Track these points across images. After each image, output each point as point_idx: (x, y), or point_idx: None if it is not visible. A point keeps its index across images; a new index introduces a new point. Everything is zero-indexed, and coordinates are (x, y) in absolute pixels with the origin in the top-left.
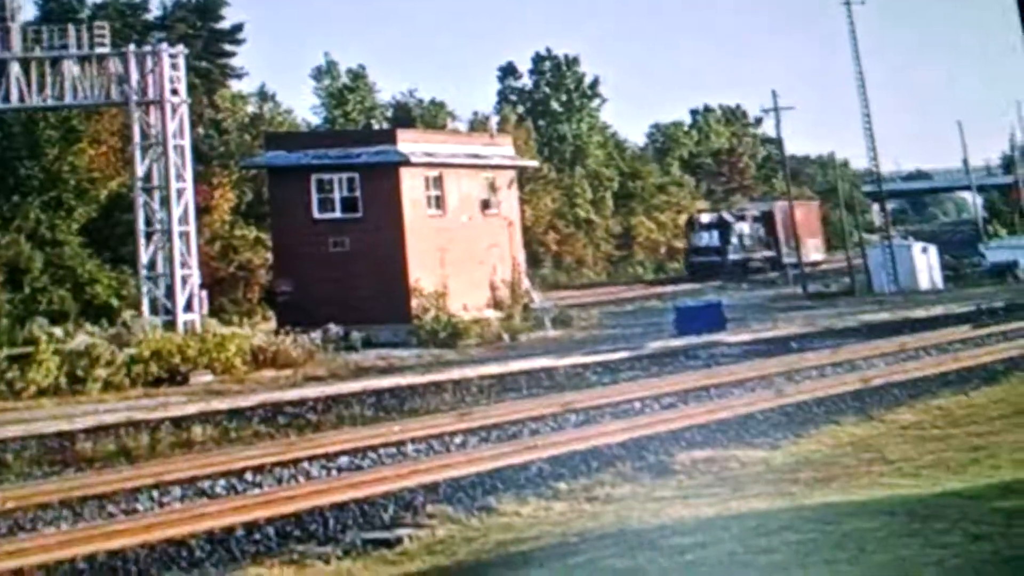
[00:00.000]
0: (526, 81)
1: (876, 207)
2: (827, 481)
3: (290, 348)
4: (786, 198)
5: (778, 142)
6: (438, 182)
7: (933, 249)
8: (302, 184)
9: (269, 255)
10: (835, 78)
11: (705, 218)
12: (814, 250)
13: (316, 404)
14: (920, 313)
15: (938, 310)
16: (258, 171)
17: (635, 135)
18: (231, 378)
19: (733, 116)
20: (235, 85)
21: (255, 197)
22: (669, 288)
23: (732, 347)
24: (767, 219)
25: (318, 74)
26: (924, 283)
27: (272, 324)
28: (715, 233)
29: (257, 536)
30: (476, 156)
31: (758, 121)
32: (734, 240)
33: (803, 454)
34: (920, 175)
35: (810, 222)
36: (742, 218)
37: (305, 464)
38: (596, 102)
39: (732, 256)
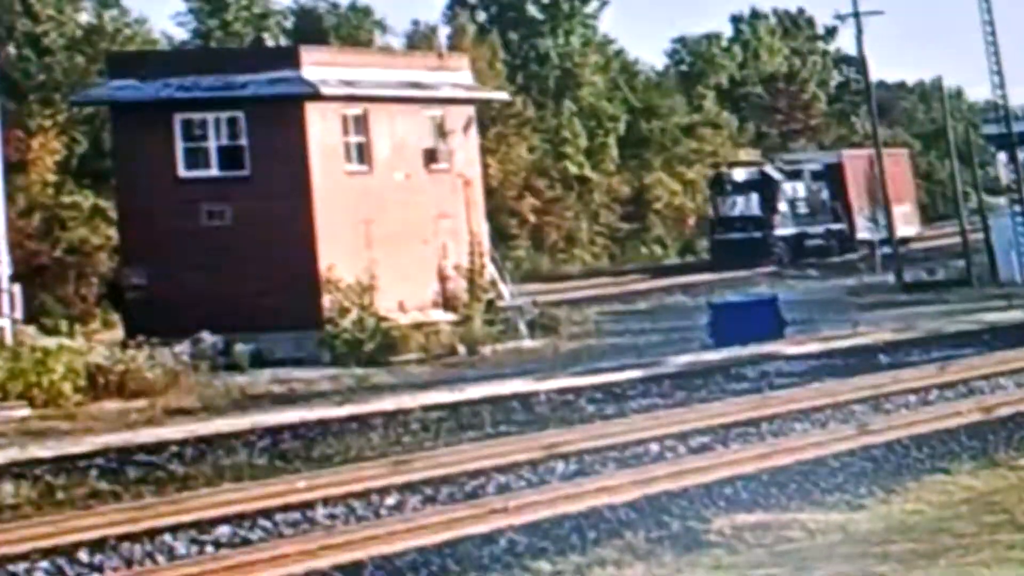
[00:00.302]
0: None
1: (1003, 157)
2: (932, 557)
3: (144, 368)
4: (862, 145)
5: (860, 63)
6: (361, 124)
7: None
8: (161, 128)
9: (113, 232)
10: None
11: (739, 174)
12: (903, 221)
13: (183, 450)
14: None
15: None
16: (97, 109)
17: (651, 54)
18: (58, 412)
19: (794, 25)
20: None
21: (92, 148)
22: (701, 277)
23: (793, 362)
24: (833, 176)
25: None
26: None
27: (118, 333)
28: (754, 197)
29: None
30: (417, 86)
31: (830, 32)
32: (782, 207)
33: (898, 517)
34: None
35: (898, 180)
36: (796, 175)
37: (167, 537)
38: (593, 5)
39: (779, 231)
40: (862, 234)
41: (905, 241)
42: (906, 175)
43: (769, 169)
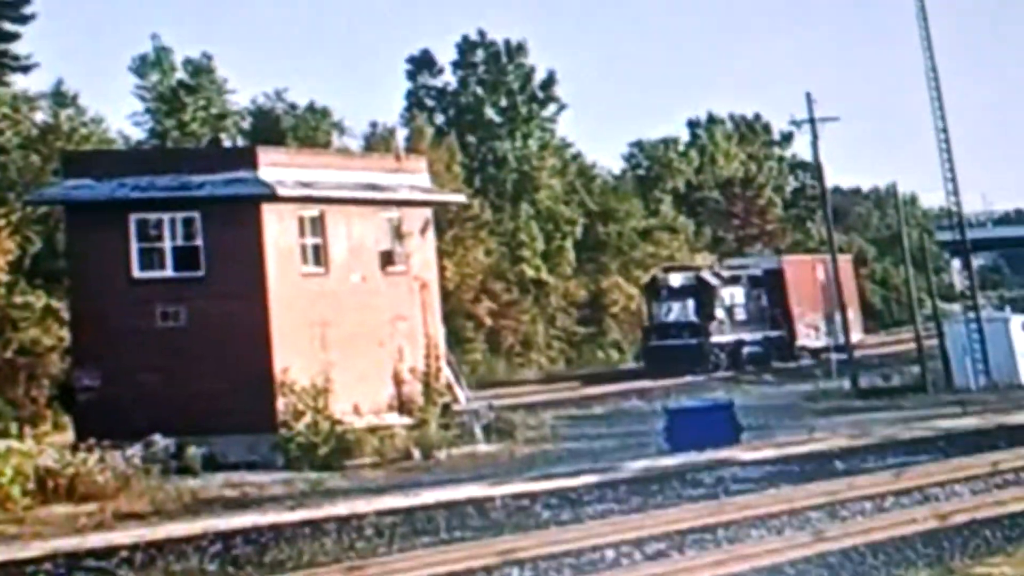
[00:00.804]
0: (448, 79)
1: (957, 264)
2: None
3: (95, 471)
4: (801, 252)
5: (816, 168)
6: (318, 225)
7: None
8: (116, 228)
9: (65, 333)
10: (897, 77)
11: (675, 279)
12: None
13: (133, 555)
14: (1022, 419)
15: None
16: (51, 209)
17: (608, 158)
18: (5, 515)
19: (750, 130)
20: (18, 82)
21: (46, 247)
22: (658, 383)
23: (749, 468)
24: (773, 282)
25: (142, 66)
26: None
27: (69, 435)
28: (690, 303)
29: None
30: (375, 187)
31: (786, 138)
32: (719, 314)
33: None
34: (1020, 218)
35: (842, 286)
36: (734, 280)
37: None
38: (550, 109)
39: (715, 337)
40: (803, 341)
41: (852, 347)
42: (850, 281)
43: (706, 274)
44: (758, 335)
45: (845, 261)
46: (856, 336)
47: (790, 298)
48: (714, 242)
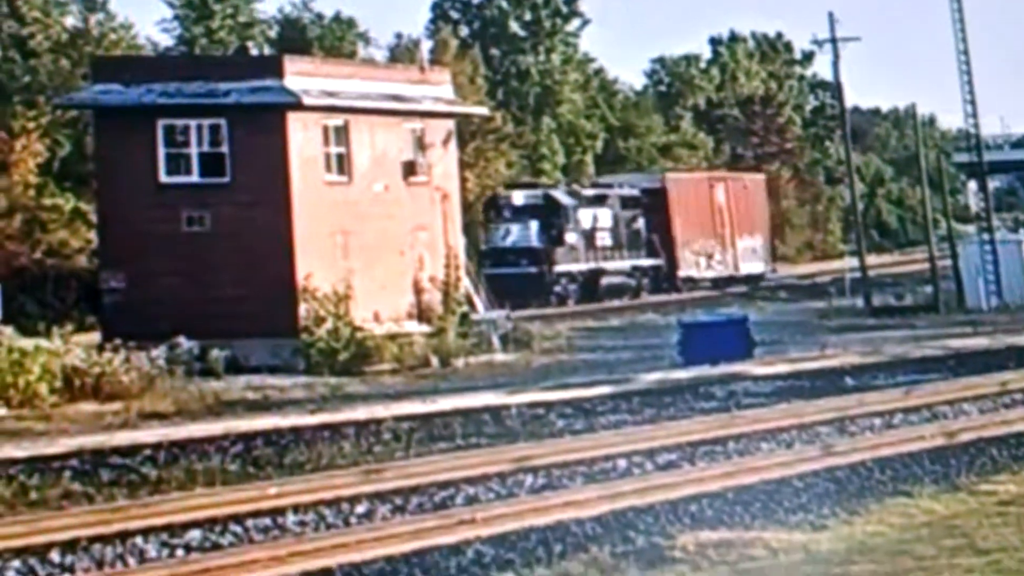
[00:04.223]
0: None
1: (973, 185)
2: None
3: (120, 372)
4: (693, 169)
5: (836, 88)
6: (342, 134)
7: None
8: (144, 133)
9: (93, 235)
10: None
11: (518, 198)
12: (749, 256)
13: (156, 453)
14: None
15: None
16: (80, 113)
17: (630, 73)
18: (33, 413)
19: (772, 49)
20: None
21: (75, 151)
22: (673, 296)
23: (761, 383)
24: (653, 204)
25: None
26: None
27: (95, 336)
28: (533, 225)
29: None
30: (398, 98)
31: (807, 57)
32: (571, 238)
33: (859, 539)
34: None
35: (746, 211)
36: (598, 200)
37: (139, 540)
38: (574, 24)
39: (562, 266)
40: (688, 271)
41: (752, 279)
42: (758, 205)
43: (556, 192)
44: (625, 264)
45: (754, 181)
46: (761, 267)
47: (673, 222)
48: (733, 159)
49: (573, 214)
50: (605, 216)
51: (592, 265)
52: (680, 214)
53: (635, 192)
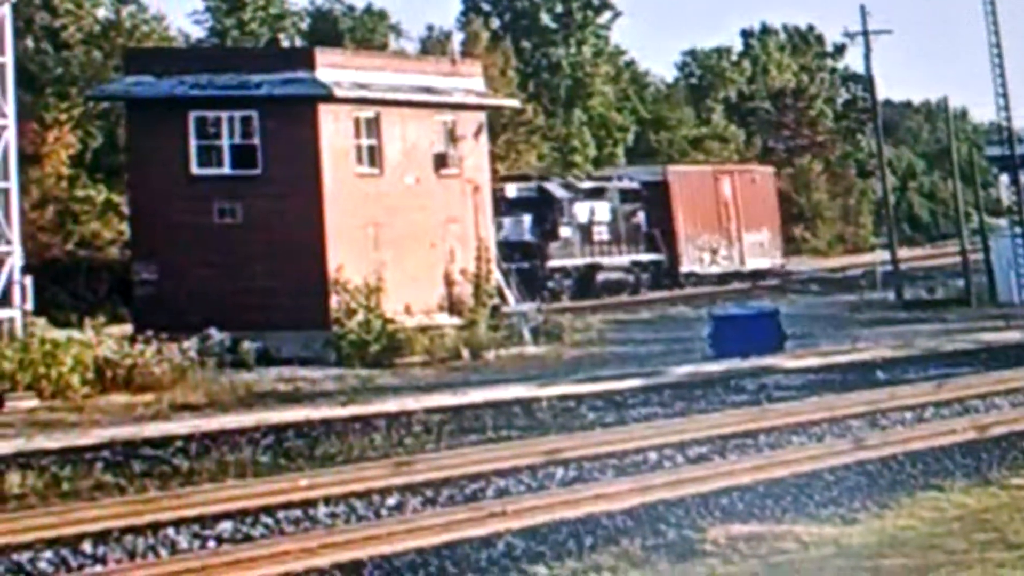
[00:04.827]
0: None
1: (1005, 179)
2: (923, 573)
3: (152, 363)
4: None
5: (867, 81)
6: (373, 127)
7: None
8: (176, 125)
9: (125, 227)
10: None
11: (511, 191)
12: (757, 251)
13: (188, 445)
14: None
15: None
16: (112, 104)
17: (661, 66)
18: (66, 404)
19: (803, 41)
20: None
21: (107, 142)
22: (705, 288)
23: (792, 376)
24: (655, 197)
25: None
26: None
27: (127, 327)
28: (526, 220)
29: None
30: (430, 90)
31: (839, 50)
32: (566, 232)
33: (890, 532)
34: None
35: (754, 204)
36: (596, 194)
37: (170, 531)
38: (605, 16)
39: (556, 261)
40: (690, 266)
41: (759, 275)
42: (767, 199)
43: (550, 185)
44: (624, 259)
45: (762, 174)
46: (770, 262)
47: (675, 216)
48: (764, 152)
49: (568, 207)
50: (603, 209)
51: (588, 260)
52: (683, 208)
53: (635, 185)
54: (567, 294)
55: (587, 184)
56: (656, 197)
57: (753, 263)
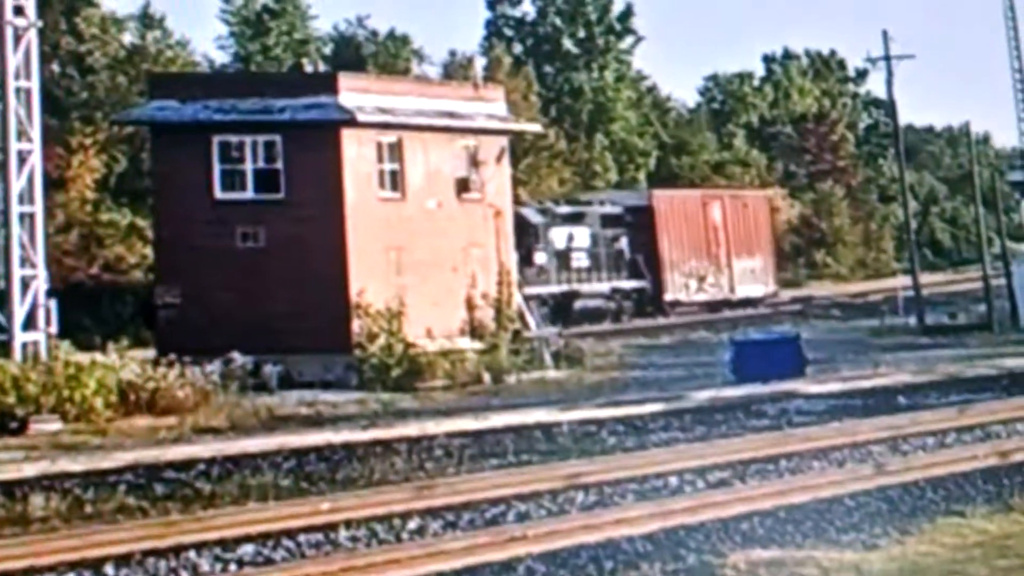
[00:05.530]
0: (527, 9)
1: None
2: None
3: (175, 386)
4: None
5: (889, 106)
6: (396, 151)
7: None
8: (199, 149)
9: (148, 250)
10: (974, 16)
11: None
12: (748, 279)
13: (210, 468)
14: None
15: None
16: (137, 129)
17: (683, 91)
18: (89, 427)
19: (825, 66)
20: (106, 3)
21: (131, 166)
22: (725, 314)
23: (813, 401)
24: (639, 222)
25: None
26: None
27: (150, 351)
28: None
29: None
30: (452, 115)
31: (861, 74)
32: (540, 259)
33: (911, 558)
34: None
35: (746, 230)
36: (574, 219)
37: (192, 554)
38: (627, 41)
39: (532, 288)
40: (675, 294)
41: (751, 302)
42: (760, 224)
43: (525, 211)
44: (603, 286)
45: (755, 199)
46: (763, 289)
47: (660, 242)
48: (786, 176)
49: (544, 233)
50: (582, 235)
51: (565, 287)
52: (668, 233)
53: (617, 210)
54: (541, 322)
55: (565, 209)
56: (640, 222)
57: (744, 290)
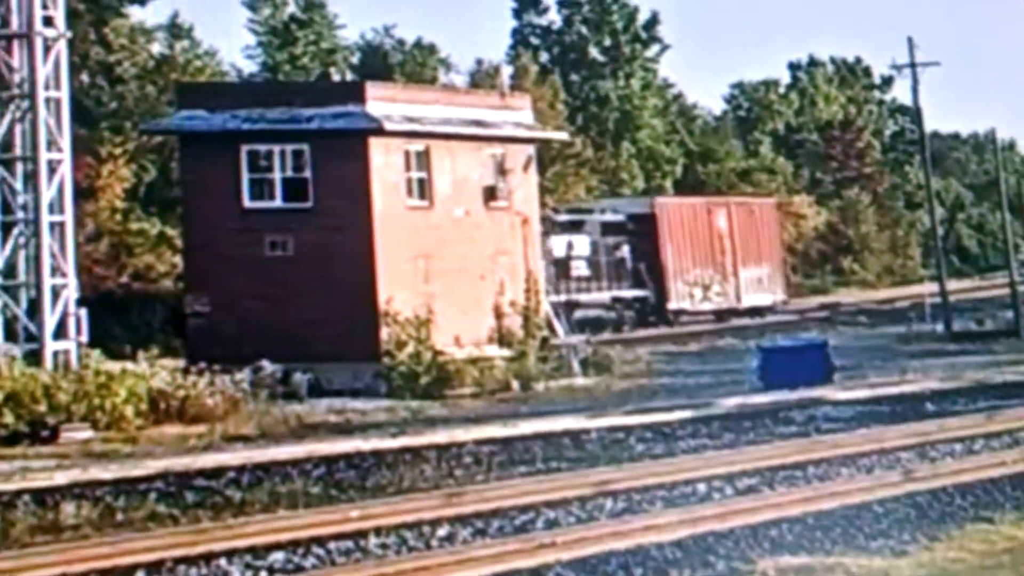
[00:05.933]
0: (553, 18)
1: None
2: None
3: (205, 394)
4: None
5: (915, 113)
6: (424, 160)
7: None
8: (228, 158)
9: (178, 259)
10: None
11: None
12: (755, 287)
13: (240, 475)
14: None
15: None
16: (166, 138)
17: (709, 98)
18: (120, 435)
19: (851, 74)
20: (135, 14)
21: (160, 176)
22: (754, 321)
23: (841, 407)
24: (642, 230)
25: (255, 0)
26: None
27: (180, 359)
28: None
29: None
30: (479, 124)
31: (886, 82)
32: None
33: (940, 564)
34: None
35: (754, 238)
36: (574, 227)
37: (223, 562)
38: (653, 49)
39: None
40: (679, 303)
41: (758, 312)
42: (768, 232)
43: None
44: (604, 295)
45: (763, 207)
46: (771, 298)
47: (663, 250)
48: (812, 183)
49: (544, 242)
50: (581, 243)
51: (563, 297)
52: (671, 241)
53: (619, 217)
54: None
55: (564, 217)
56: (643, 230)
57: (751, 299)
